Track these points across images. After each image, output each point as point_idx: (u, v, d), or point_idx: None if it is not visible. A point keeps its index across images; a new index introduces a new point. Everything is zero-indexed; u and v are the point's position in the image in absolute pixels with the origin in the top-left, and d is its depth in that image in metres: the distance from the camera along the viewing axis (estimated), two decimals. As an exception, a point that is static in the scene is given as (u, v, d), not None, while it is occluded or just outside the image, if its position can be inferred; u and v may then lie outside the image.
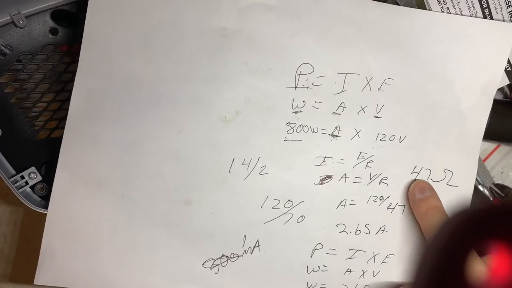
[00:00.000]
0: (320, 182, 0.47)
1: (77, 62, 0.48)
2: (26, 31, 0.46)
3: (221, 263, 0.47)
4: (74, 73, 0.48)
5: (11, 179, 0.45)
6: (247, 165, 0.46)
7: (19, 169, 0.46)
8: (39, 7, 0.46)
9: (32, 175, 0.46)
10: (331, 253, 0.47)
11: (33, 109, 0.47)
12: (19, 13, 0.45)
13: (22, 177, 0.46)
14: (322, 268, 0.47)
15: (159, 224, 0.46)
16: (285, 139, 0.46)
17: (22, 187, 0.46)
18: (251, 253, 0.47)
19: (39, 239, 0.54)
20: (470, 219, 0.19)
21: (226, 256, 0.47)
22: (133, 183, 0.46)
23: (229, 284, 0.47)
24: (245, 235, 0.46)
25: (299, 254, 0.47)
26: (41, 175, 0.47)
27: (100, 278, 0.46)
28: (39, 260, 0.45)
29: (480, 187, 0.55)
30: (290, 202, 0.46)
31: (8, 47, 0.46)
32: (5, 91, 0.46)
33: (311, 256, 0.47)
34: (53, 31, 0.47)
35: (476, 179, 0.55)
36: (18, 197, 0.44)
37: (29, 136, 0.47)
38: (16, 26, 0.45)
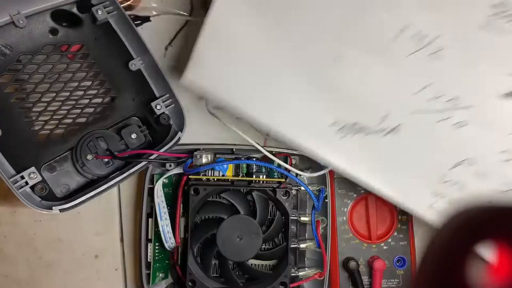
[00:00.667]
0: (506, 96, 0.38)
1: (77, 62, 0.48)
2: (26, 31, 0.46)
3: (350, 131, 0.43)
4: (74, 73, 0.48)
5: (11, 179, 0.45)
6: (419, 40, 0.39)
7: (19, 169, 0.46)
8: (39, 7, 0.46)
9: (32, 175, 0.46)
10: (482, 178, 0.41)
11: (33, 109, 0.47)
12: (19, 13, 0.45)
13: (22, 177, 0.46)
14: (460, 185, 0.41)
15: (303, 69, 0.42)
16: (481, 27, 0.38)
17: (22, 187, 0.46)
18: (385, 135, 0.42)
19: (39, 239, 0.54)
20: (471, 219, 0.19)
21: (358, 126, 0.43)
22: (292, 21, 0.42)
23: (350, 153, 0.44)
24: (387, 114, 0.42)
25: (439, 159, 0.41)
26: (41, 175, 0.47)
27: (236, 97, 0.44)
28: (192, 58, 0.44)
29: (480, 187, 0.54)
30: (455, 101, 0.39)
31: (8, 47, 0.45)
32: (5, 91, 0.46)
33: (453, 167, 0.41)
34: (53, 31, 0.47)
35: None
36: (18, 197, 0.44)
37: (29, 136, 0.47)
38: (16, 26, 0.45)
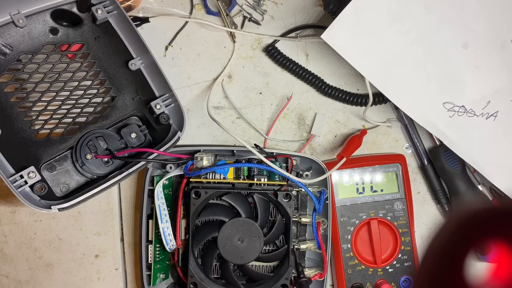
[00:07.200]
0: None
1: (77, 61, 0.48)
2: (26, 30, 0.46)
3: (458, 111, 0.49)
4: (74, 72, 0.48)
5: (10, 179, 0.45)
6: None
7: (19, 168, 0.46)
8: (39, 6, 0.46)
9: (31, 175, 0.46)
10: None
11: (33, 109, 0.47)
12: (19, 12, 0.45)
13: (21, 177, 0.46)
14: None
15: (431, 50, 0.48)
16: None
17: (21, 186, 0.45)
18: (486, 118, 0.49)
19: (39, 238, 0.54)
20: (469, 219, 0.19)
21: (465, 109, 0.49)
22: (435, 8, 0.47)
23: (454, 132, 0.50)
24: (489, 101, 0.48)
25: None
26: (40, 174, 0.47)
27: (363, 68, 0.49)
28: (336, 20, 0.47)
29: (480, 187, 0.54)
30: None
31: (8, 46, 0.46)
32: (5, 90, 0.46)
33: None
34: (53, 31, 0.47)
35: (476, 179, 0.55)
36: (17, 196, 0.44)
37: (28, 136, 0.47)
38: (16, 25, 0.45)
